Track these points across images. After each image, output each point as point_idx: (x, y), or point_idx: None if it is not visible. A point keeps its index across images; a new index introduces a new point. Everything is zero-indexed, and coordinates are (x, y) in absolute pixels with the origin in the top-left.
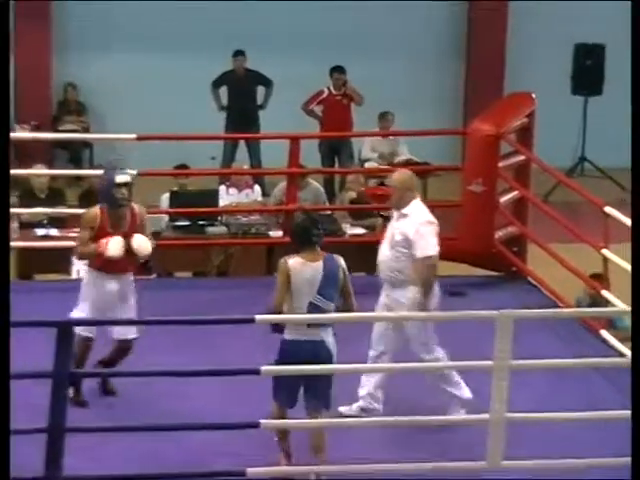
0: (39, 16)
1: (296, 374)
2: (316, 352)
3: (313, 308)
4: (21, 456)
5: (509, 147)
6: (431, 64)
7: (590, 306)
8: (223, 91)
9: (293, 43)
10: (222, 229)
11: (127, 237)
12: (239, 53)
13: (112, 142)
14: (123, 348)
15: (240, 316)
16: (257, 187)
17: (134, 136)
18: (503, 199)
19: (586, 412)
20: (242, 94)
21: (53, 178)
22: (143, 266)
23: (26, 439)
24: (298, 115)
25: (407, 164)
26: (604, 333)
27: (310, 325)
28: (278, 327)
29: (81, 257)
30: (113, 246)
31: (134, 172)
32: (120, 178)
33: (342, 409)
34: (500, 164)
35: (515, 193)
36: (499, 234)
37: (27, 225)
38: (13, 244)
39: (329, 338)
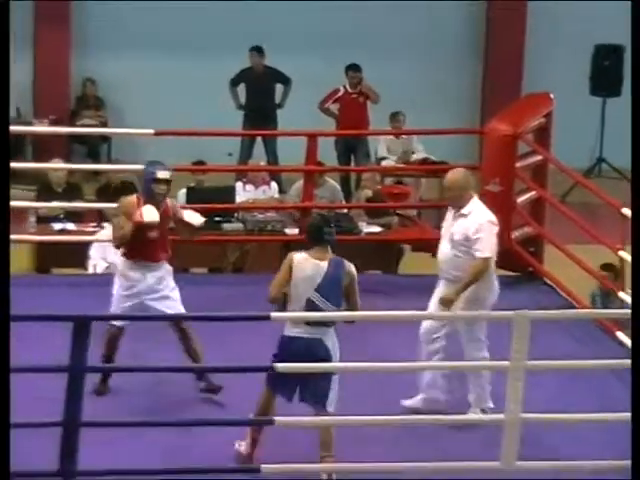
0: (59, 14)
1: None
2: (313, 350)
3: (310, 305)
4: (37, 450)
5: (527, 147)
6: (449, 64)
7: (604, 300)
8: (241, 89)
9: (309, 42)
10: (238, 226)
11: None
12: (256, 48)
13: (130, 137)
14: (178, 330)
15: (256, 313)
16: (274, 184)
17: (152, 131)
18: (520, 199)
19: (600, 413)
20: (260, 91)
21: (71, 173)
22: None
23: (43, 433)
24: (314, 114)
25: (424, 163)
26: (620, 335)
27: (309, 323)
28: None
29: (120, 241)
30: (148, 212)
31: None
32: (161, 174)
33: (407, 403)
34: (517, 164)
35: (532, 193)
36: (516, 234)
37: (44, 219)
38: (30, 238)
39: (328, 338)
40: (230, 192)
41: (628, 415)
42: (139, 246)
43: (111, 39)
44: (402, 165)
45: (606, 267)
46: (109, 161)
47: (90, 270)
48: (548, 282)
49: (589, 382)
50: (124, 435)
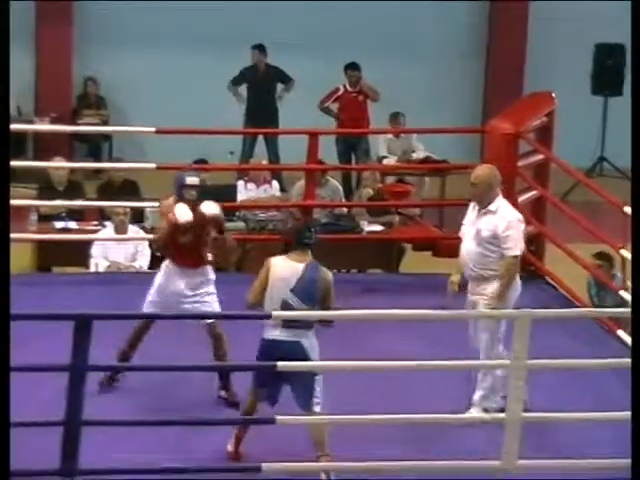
0: (61, 13)
1: (274, 373)
2: (290, 353)
3: (286, 306)
4: (38, 449)
5: (528, 146)
6: (451, 63)
7: (599, 289)
8: (243, 89)
9: (310, 41)
10: (240, 224)
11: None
12: (258, 46)
13: (131, 135)
14: (213, 334)
15: (257, 312)
16: (275, 183)
17: (153, 129)
18: (522, 198)
19: (601, 412)
20: (262, 90)
21: (72, 171)
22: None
23: (45, 431)
24: (315, 114)
25: (425, 161)
26: (621, 333)
27: (285, 326)
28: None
29: (155, 243)
30: (181, 212)
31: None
32: (189, 180)
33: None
34: (519, 163)
35: (534, 192)
36: None
37: (46, 218)
38: (31, 236)
39: (307, 340)
40: (231, 191)
41: (628, 414)
42: (172, 250)
43: (113, 38)
44: (403, 165)
45: (600, 256)
46: (110, 159)
47: (92, 269)
48: (549, 281)
49: (589, 380)
50: (125, 434)
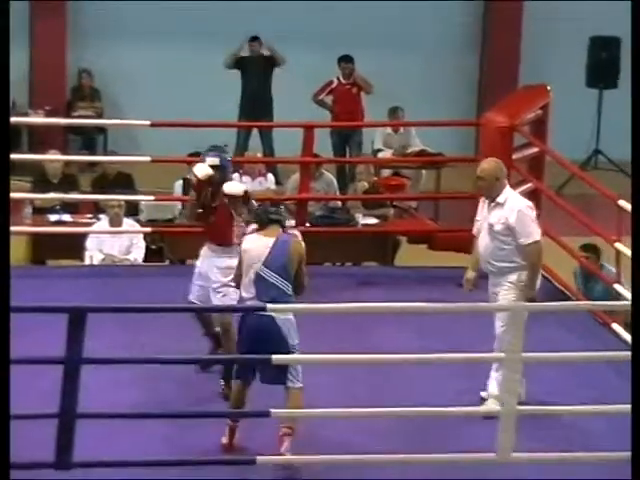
0: (55, 5)
1: (251, 349)
2: (263, 327)
3: (258, 279)
4: (32, 441)
5: (523, 139)
6: (446, 57)
7: (585, 279)
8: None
9: (306, 35)
10: None
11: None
12: (255, 38)
13: (126, 128)
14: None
15: (252, 304)
16: (270, 176)
17: (148, 122)
18: (516, 191)
19: (596, 405)
20: (258, 80)
21: (67, 164)
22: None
23: (40, 424)
24: (311, 108)
25: (421, 154)
26: (615, 327)
27: (259, 299)
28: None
29: (191, 213)
30: (198, 168)
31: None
32: (210, 160)
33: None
34: (514, 156)
35: (529, 185)
36: None
37: (40, 210)
38: (26, 229)
39: (282, 315)
40: None
41: (625, 407)
42: (204, 230)
43: (107, 30)
44: (398, 158)
45: (586, 248)
46: (105, 152)
47: (86, 261)
48: (543, 274)
49: (583, 373)
50: (121, 426)
